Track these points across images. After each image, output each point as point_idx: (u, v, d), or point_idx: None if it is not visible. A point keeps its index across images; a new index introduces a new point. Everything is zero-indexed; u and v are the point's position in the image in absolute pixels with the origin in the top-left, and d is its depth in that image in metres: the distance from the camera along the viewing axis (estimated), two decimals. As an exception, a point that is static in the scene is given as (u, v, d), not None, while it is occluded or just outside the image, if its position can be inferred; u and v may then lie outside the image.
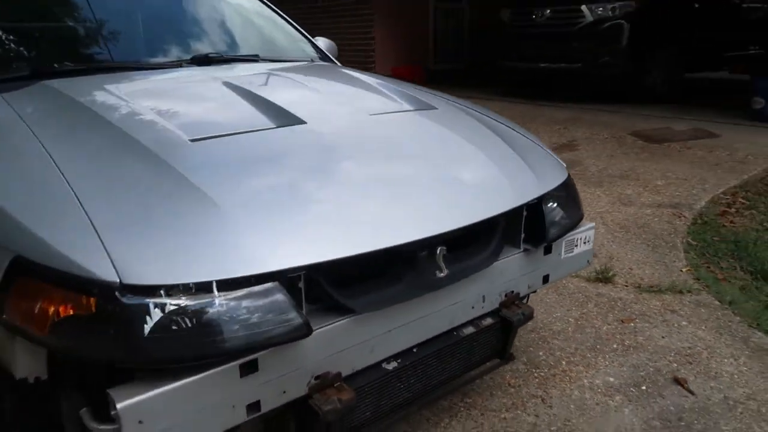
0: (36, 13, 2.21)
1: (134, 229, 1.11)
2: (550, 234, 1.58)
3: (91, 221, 1.10)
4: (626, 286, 2.53)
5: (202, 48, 2.34)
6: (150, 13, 2.46)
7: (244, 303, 1.08)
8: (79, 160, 1.30)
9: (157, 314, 1.02)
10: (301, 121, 1.53)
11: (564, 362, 1.99)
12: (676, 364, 1.97)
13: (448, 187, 1.44)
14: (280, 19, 2.88)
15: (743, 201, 3.58)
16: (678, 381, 1.87)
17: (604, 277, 2.57)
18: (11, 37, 2.10)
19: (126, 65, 2.06)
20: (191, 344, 1.03)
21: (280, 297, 1.10)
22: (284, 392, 1.18)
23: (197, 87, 1.88)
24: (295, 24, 2.93)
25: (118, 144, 1.37)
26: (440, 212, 1.35)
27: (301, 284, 1.16)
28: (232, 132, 1.44)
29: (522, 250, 1.59)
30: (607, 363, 1.98)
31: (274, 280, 1.11)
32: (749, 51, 7.40)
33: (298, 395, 1.20)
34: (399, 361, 1.38)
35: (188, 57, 2.22)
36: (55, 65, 2.03)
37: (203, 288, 1.06)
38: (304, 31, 2.90)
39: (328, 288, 1.21)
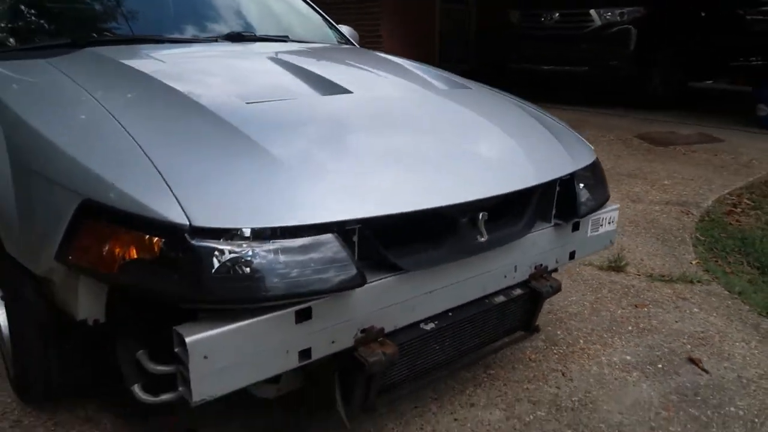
0: None
1: (198, 176, 1.16)
2: (580, 210, 1.64)
3: (156, 168, 1.15)
4: (638, 275, 2.60)
5: (233, 27, 2.38)
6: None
7: (305, 250, 1.12)
8: (136, 114, 1.35)
9: (222, 256, 1.07)
10: (348, 91, 1.59)
11: (581, 341, 2.05)
12: (689, 346, 2.03)
13: (490, 157, 1.50)
14: (304, 4, 2.93)
15: (748, 202, 3.66)
16: (692, 361, 1.94)
17: (616, 266, 2.63)
18: (53, 8, 2.14)
19: (162, 38, 2.11)
20: (253, 286, 1.08)
21: (337, 247, 1.15)
22: (333, 342, 1.23)
23: (242, 59, 1.93)
24: (318, 9, 2.98)
25: (174, 103, 1.42)
26: (484, 179, 1.41)
27: (355, 238, 1.21)
28: (286, 98, 1.49)
29: (553, 224, 1.64)
30: (623, 343, 2.05)
31: (331, 231, 1.16)
32: (752, 62, 7.51)
33: (345, 347, 1.25)
34: (436, 323, 1.43)
35: (222, 34, 2.26)
36: (94, 35, 2.08)
37: (266, 234, 1.11)
38: (327, 17, 2.96)
39: (379, 245, 1.26)
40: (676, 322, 2.20)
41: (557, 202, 1.64)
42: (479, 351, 1.65)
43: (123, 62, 1.70)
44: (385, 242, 1.28)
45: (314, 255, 1.13)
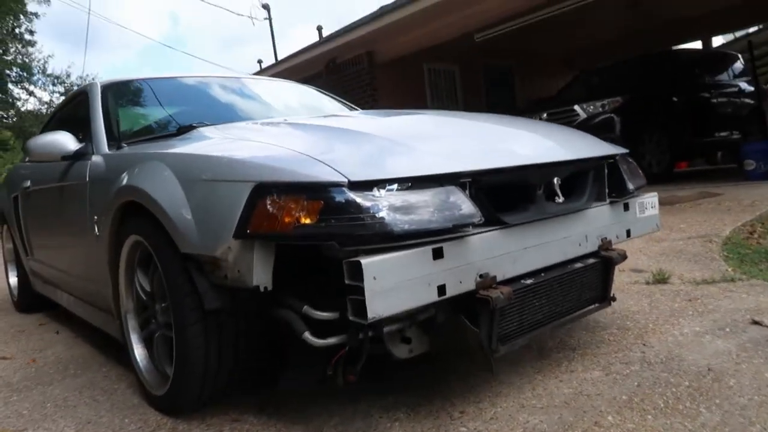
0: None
1: (344, 154, 1.53)
2: (628, 186, 1.97)
3: (311, 156, 1.50)
4: (683, 283, 2.84)
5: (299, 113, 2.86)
6: (259, 99, 3.06)
7: (437, 195, 1.44)
8: (267, 134, 1.76)
9: (377, 201, 1.38)
10: (423, 113, 2.00)
11: (651, 325, 2.26)
12: (749, 315, 2.24)
13: (553, 139, 1.88)
14: (339, 101, 3.47)
15: (762, 229, 3.97)
16: (756, 322, 2.14)
17: (661, 279, 2.88)
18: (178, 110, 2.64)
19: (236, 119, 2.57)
20: (402, 223, 1.37)
21: (459, 194, 1.48)
22: (460, 282, 1.49)
23: (323, 119, 2.36)
24: (348, 103, 3.51)
25: (292, 126, 1.84)
26: (553, 150, 1.79)
27: (467, 192, 1.53)
28: (384, 115, 1.90)
29: (608, 202, 1.96)
30: (688, 321, 2.25)
31: (451, 183, 1.48)
32: (729, 137, 8.15)
33: (469, 288, 1.51)
34: (533, 279, 1.70)
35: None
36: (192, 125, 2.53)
37: (404, 182, 1.43)
38: (353, 105, 3.48)
39: (485, 199, 1.57)
40: (730, 304, 2.41)
41: (608, 182, 1.97)
42: (568, 316, 1.87)
43: (228, 126, 2.13)
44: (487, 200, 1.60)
45: (444, 199, 1.44)
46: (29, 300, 3.78)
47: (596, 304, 1.98)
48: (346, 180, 1.39)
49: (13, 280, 4.02)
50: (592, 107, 6.92)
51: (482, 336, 1.56)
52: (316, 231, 1.38)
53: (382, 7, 8.68)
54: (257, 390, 1.91)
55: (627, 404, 1.62)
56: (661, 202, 5.38)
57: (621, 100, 6.83)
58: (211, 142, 1.91)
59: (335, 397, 1.82)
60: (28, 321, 3.63)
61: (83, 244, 2.36)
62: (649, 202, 2.14)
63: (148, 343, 2.02)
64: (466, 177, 1.52)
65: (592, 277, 1.91)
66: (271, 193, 1.44)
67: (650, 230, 2.17)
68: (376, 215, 1.36)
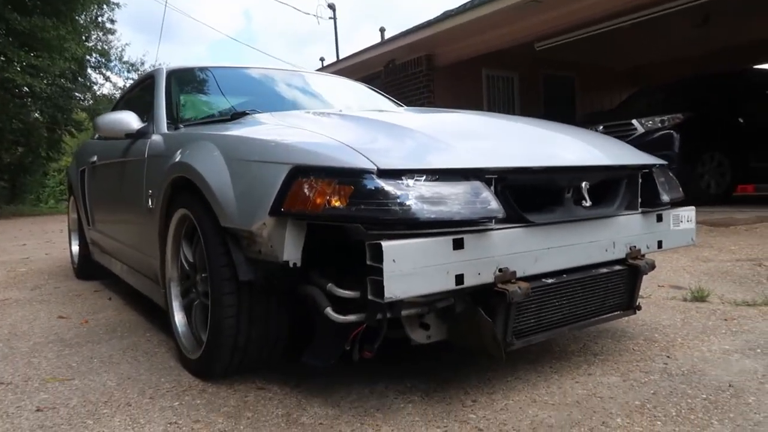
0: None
1: (376, 143, 1.61)
2: (662, 198, 1.97)
3: (346, 144, 1.58)
4: (722, 303, 2.78)
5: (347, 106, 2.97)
6: (314, 92, 3.20)
7: (461, 188, 1.50)
8: (308, 120, 1.84)
9: (404, 189, 1.45)
10: (459, 111, 2.06)
11: (679, 339, 2.24)
12: (784, 339, 2.19)
13: (590, 145, 1.91)
14: (392, 99, 3.56)
15: (818, 258, 3.80)
16: (789, 345, 2.09)
17: (699, 297, 2.83)
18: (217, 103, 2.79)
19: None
20: (426, 211, 1.44)
21: (484, 188, 1.53)
22: (479, 274, 1.55)
23: (384, 113, 2.46)
24: (400, 103, 3.59)
25: (350, 119, 1.94)
26: (584, 154, 1.81)
27: (492, 187, 1.58)
28: (421, 112, 1.97)
29: (640, 211, 1.97)
30: (719, 339, 2.22)
31: (476, 178, 1.54)
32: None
33: (487, 281, 1.56)
34: (554, 279, 1.73)
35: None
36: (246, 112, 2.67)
37: (432, 174, 1.50)
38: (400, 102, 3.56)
39: (510, 197, 1.62)
40: None
41: (642, 191, 1.98)
42: (589, 319, 1.89)
43: (281, 114, 2.25)
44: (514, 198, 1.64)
45: (468, 193, 1.50)
46: (87, 268, 4.04)
47: (620, 311, 1.99)
48: (375, 168, 1.47)
49: (75, 248, 4.30)
50: (650, 122, 6.75)
51: (497, 328, 1.61)
52: (345, 213, 1.47)
53: (445, 12, 8.75)
54: (282, 363, 2.02)
55: (638, 409, 1.63)
56: (716, 224, 5.25)
57: (682, 117, 6.64)
58: (261, 128, 2.03)
59: (356, 377, 1.91)
60: (84, 287, 3.89)
61: (137, 216, 2.54)
62: (685, 216, 2.13)
63: (187, 310, 2.16)
64: (492, 173, 1.57)
65: (617, 284, 1.92)
66: (306, 175, 1.54)
67: (684, 243, 2.16)
68: (402, 202, 1.43)
